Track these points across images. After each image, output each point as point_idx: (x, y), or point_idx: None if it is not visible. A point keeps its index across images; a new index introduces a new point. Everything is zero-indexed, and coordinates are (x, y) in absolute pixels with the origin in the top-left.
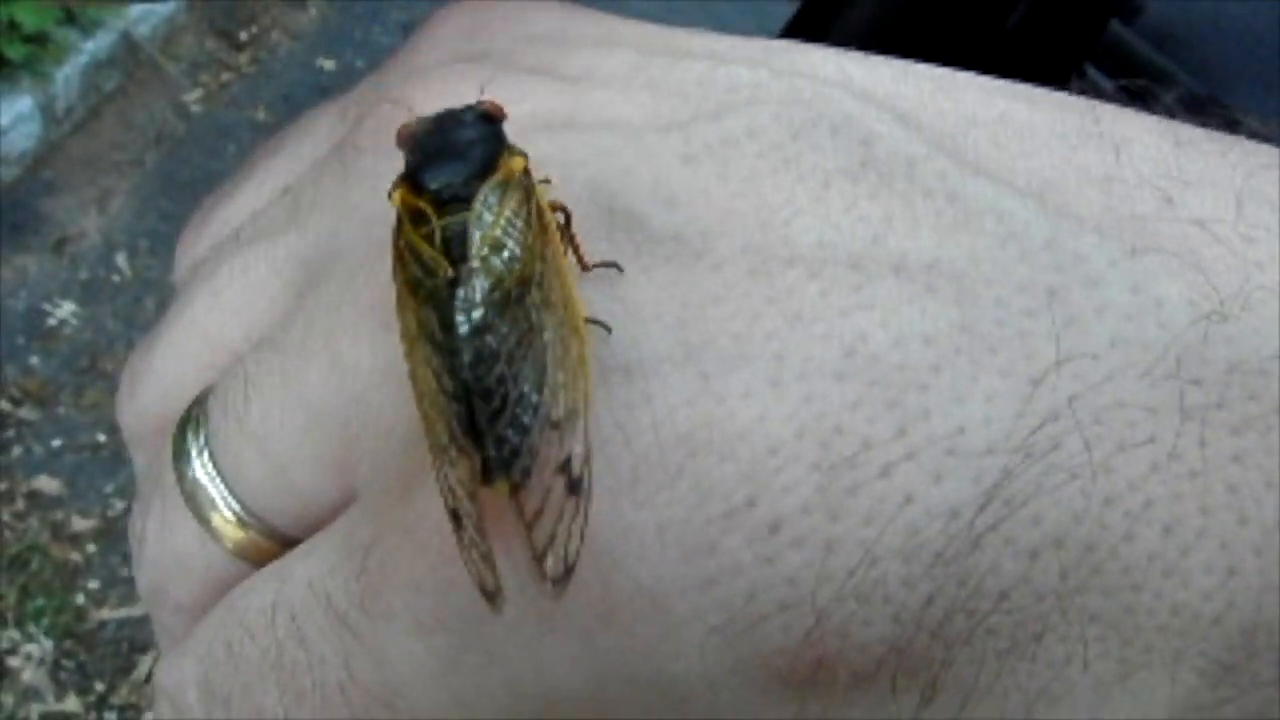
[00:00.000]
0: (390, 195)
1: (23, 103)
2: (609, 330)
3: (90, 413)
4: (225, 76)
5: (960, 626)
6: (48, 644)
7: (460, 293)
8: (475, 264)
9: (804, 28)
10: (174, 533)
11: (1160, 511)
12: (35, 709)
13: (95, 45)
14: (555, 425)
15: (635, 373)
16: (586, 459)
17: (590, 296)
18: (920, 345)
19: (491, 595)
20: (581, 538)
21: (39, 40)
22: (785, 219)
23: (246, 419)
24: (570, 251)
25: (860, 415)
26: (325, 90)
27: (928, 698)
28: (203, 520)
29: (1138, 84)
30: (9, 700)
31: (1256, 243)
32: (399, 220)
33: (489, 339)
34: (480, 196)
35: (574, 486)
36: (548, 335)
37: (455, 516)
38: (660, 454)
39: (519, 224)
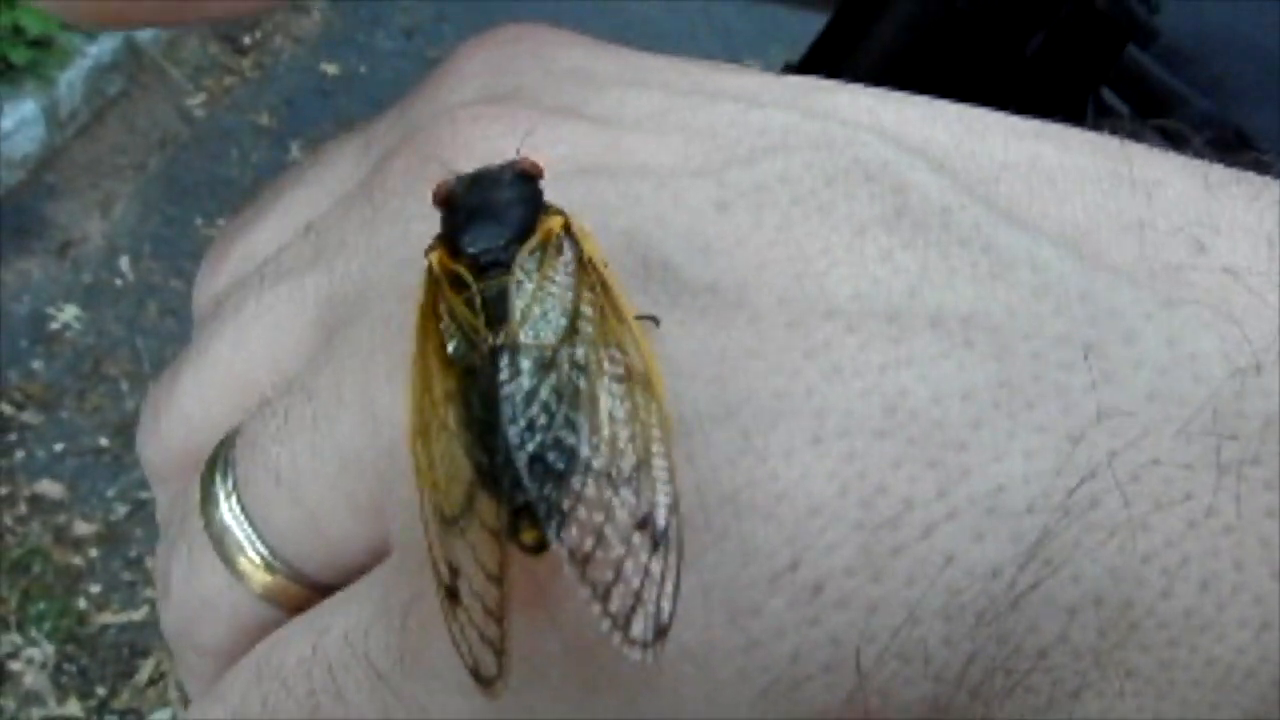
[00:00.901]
0: (427, 255)
1: (26, 106)
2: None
3: (93, 417)
4: (228, 81)
5: (1000, 685)
6: (49, 648)
7: (504, 360)
8: (517, 331)
9: (825, 54)
10: (200, 575)
11: (1197, 568)
12: (36, 713)
13: (99, 49)
14: (624, 480)
15: (677, 432)
16: (673, 508)
17: None
18: (959, 401)
19: (488, 681)
20: (676, 593)
21: (43, 44)
22: (821, 269)
23: (277, 464)
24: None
25: (902, 474)
26: (328, 94)
27: None
28: (230, 563)
29: (1171, 124)
30: (10, 704)
31: None
32: (434, 282)
33: (534, 410)
34: (520, 261)
35: (659, 540)
36: (603, 392)
37: (452, 595)
38: (705, 516)
39: (559, 286)
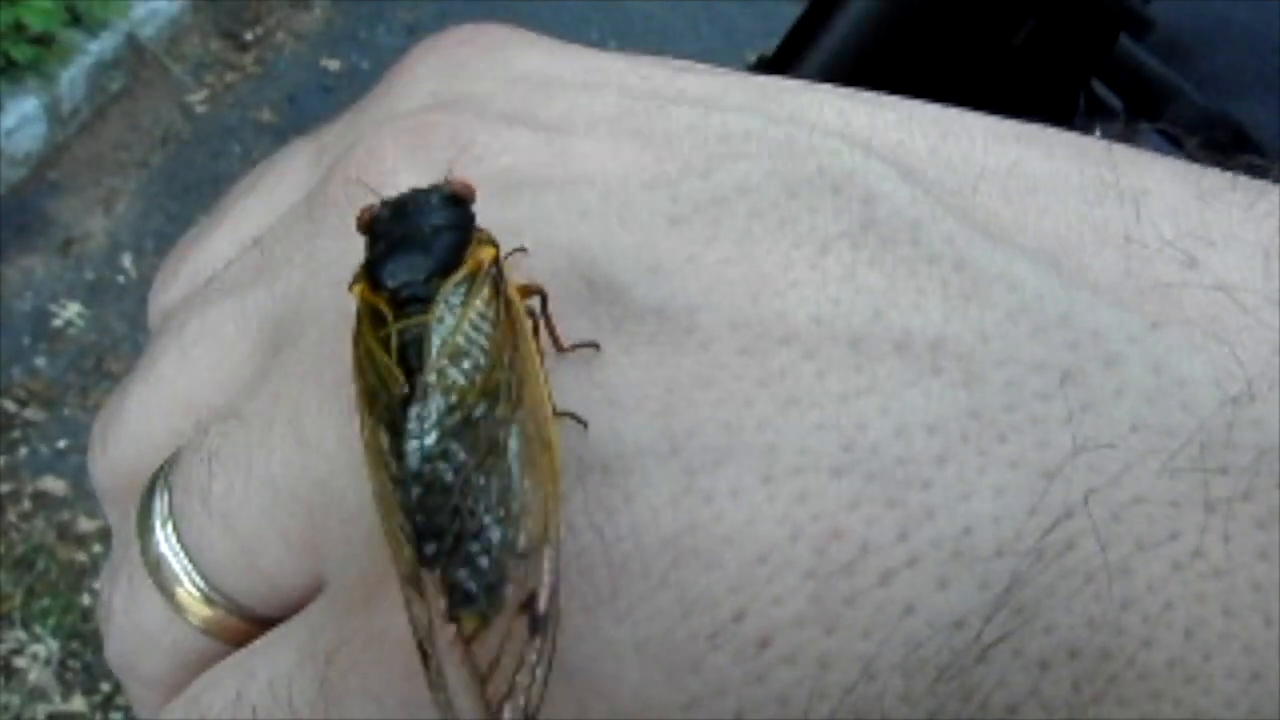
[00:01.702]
0: (350, 288)
1: (28, 104)
2: (584, 424)
3: (95, 413)
4: (230, 77)
5: None
6: (54, 644)
7: (412, 413)
8: (431, 379)
9: (800, 46)
10: (140, 606)
11: (1181, 614)
12: (41, 709)
13: (100, 46)
14: (518, 557)
15: (615, 469)
16: (553, 595)
17: (567, 382)
18: (924, 434)
19: None
20: (545, 685)
21: (44, 41)
22: (780, 290)
23: (209, 495)
24: (548, 333)
25: (859, 516)
26: (329, 90)
27: None
28: (168, 595)
29: (1165, 126)
30: (15, 700)
31: None
32: (358, 317)
33: (441, 467)
34: (442, 296)
35: (537, 626)
36: (513, 453)
37: (423, 651)
38: (641, 562)
39: (485, 326)
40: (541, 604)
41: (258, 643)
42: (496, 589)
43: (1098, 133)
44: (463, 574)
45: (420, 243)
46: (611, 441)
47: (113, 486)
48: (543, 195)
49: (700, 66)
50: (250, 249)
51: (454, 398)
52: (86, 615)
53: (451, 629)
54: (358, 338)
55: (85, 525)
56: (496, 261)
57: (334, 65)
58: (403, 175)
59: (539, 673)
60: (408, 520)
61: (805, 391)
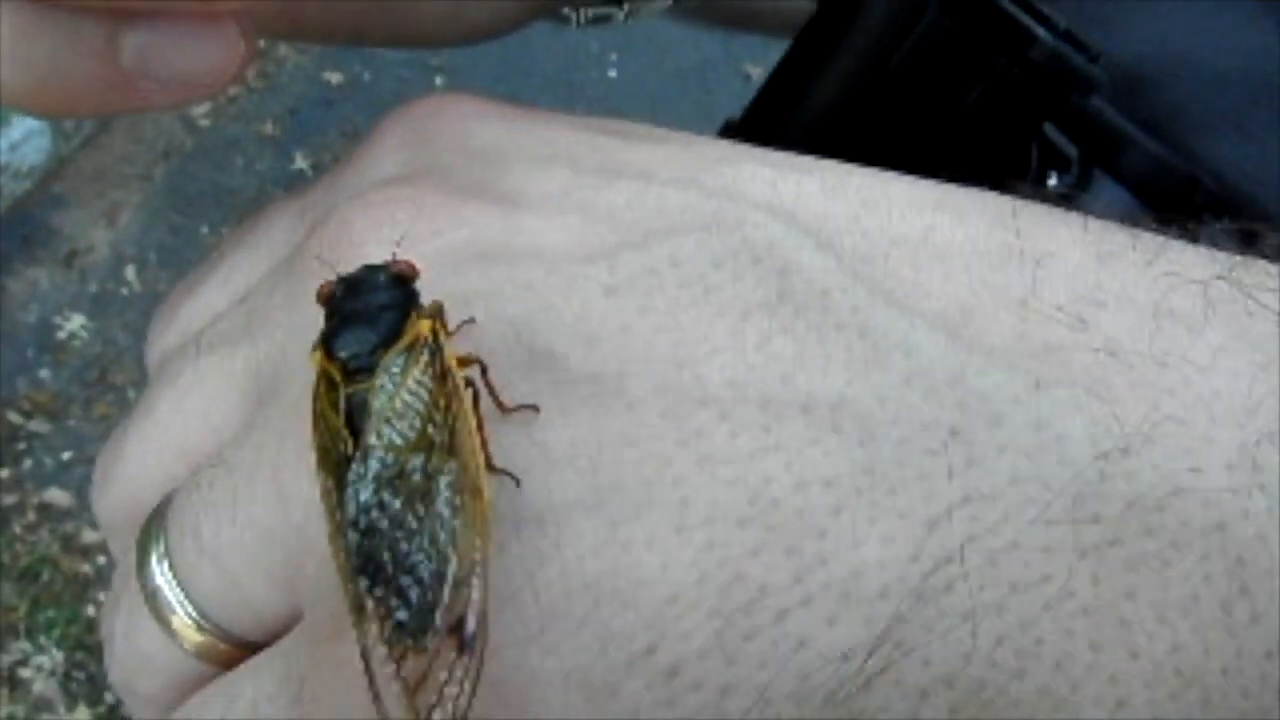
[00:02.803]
0: (310, 355)
1: (32, 118)
2: (517, 482)
3: (100, 425)
4: (233, 90)
5: None
6: (58, 655)
7: (353, 468)
8: (371, 439)
9: (765, 112)
10: (137, 631)
11: (1051, 649)
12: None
13: None
14: (454, 586)
15: (548, 520)
16: (480, 620)
17: (509, 441)
18: (821, 488)
19: None
20: (473, 695)
21: None
22: (701, 356)
23: (200, 534)
24: (491, 397)
25: (759, 562)
26: (331, 103)
27: None
28: (162, 623)
29: (1178, 217)
30: (20, 711)
31: (1168, 368)
32: (317, 381)
33: (375, 515)
34: (384, 366)
35: (465, 646)
36: (444, 500)
37: (367, 670)
38: (567, 603)
39: (421, 391)
40: (469, 627)
41: (241, 668)
42: (426, 615)
43: (1051, 180)
44: (395, 603)
45: (367, 318)
46: (544, 495)
47: (113, 522)
48: (493, 269)
49: (653, 133)
50: (239, 304)
51: (390, 455)
52: (91, 627)
53: (384, 650)
54: (315, 399)
55: (90, 537)
56: (435, 333)
57: (336, 78)
58: (368, 248)
59: (466, 685)
60: (350, 559)
61: (719, 450)
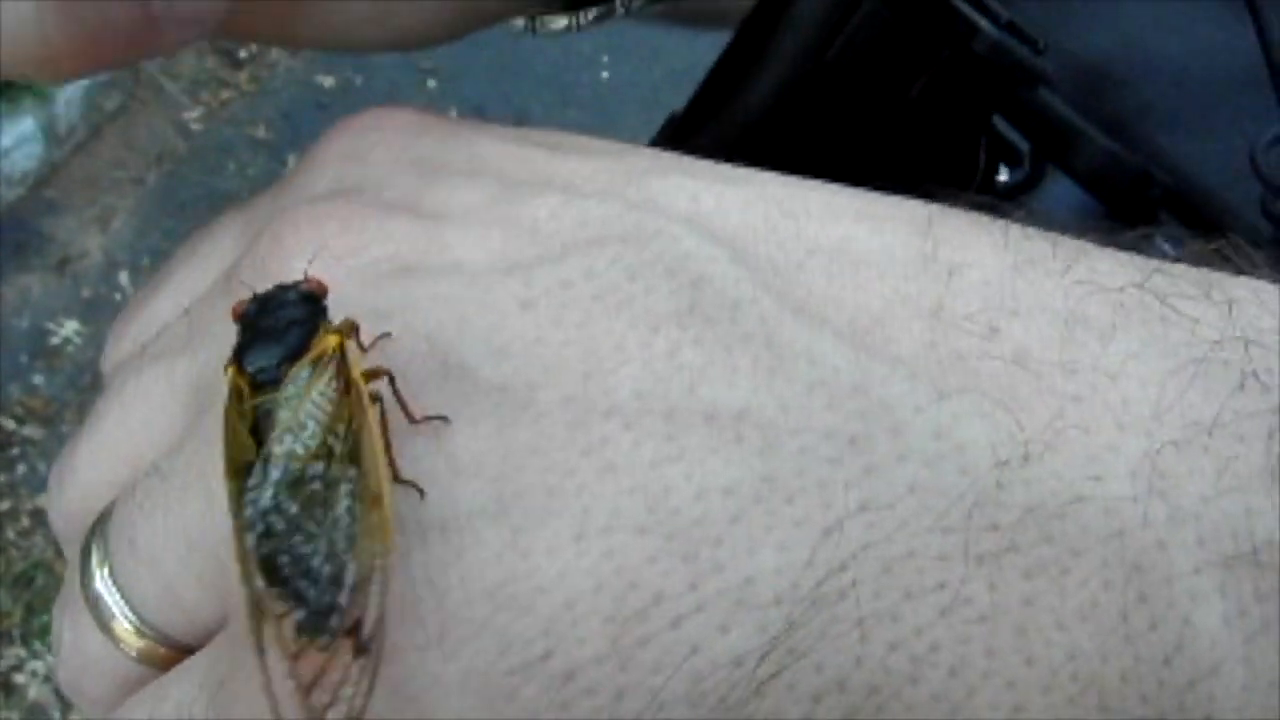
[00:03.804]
0: (225, 369)
1: (25, 123)
2: (421, 492)
3: None
4: (225, 95)
5: None
6: (52, 661)
7: (255, 473)
8: (273, 448)
9: (710, 99)
10: (83, 637)
11: (947, 655)
12: None
13: None
14: (352, 589)
15: (451, 528)
16: (378, 623)
17: (419, 451)
18: (720, 496)
19: None
20: (368, 695)
21: None
22: (610, 368)
23: (136, 541)
24: (400, 408)
25: (656, 569)
26: (324, 107)
27: None
28: (105, 628)
29: (1163, 231)
30: (15, 717)
31: (1076, 375)
32: (229, 394)
33: (273, 519)
34: (289, 379)
35: (362, 649)
36: (344, 507)
37: (263, 665)
38: (468, 609)
39: (324, 403)
40: (366, 630)
41: (171, 672)
42: (322, 617)
43: (1003, 175)
44: (292, 604)
45: (276, 334)
46: (449, 504)
47: (65, 529)
48: (413, 283)
49: (588, 145)
50: (183, 316)
51: (291, 463)
52: None
53: (278, 650)
54: (227, 412)
55: None
56: (341, 347)
57: (329, 82)
58: (297, 260)
59: (363, 685)
60: (248, 559)
61: (621, 459)
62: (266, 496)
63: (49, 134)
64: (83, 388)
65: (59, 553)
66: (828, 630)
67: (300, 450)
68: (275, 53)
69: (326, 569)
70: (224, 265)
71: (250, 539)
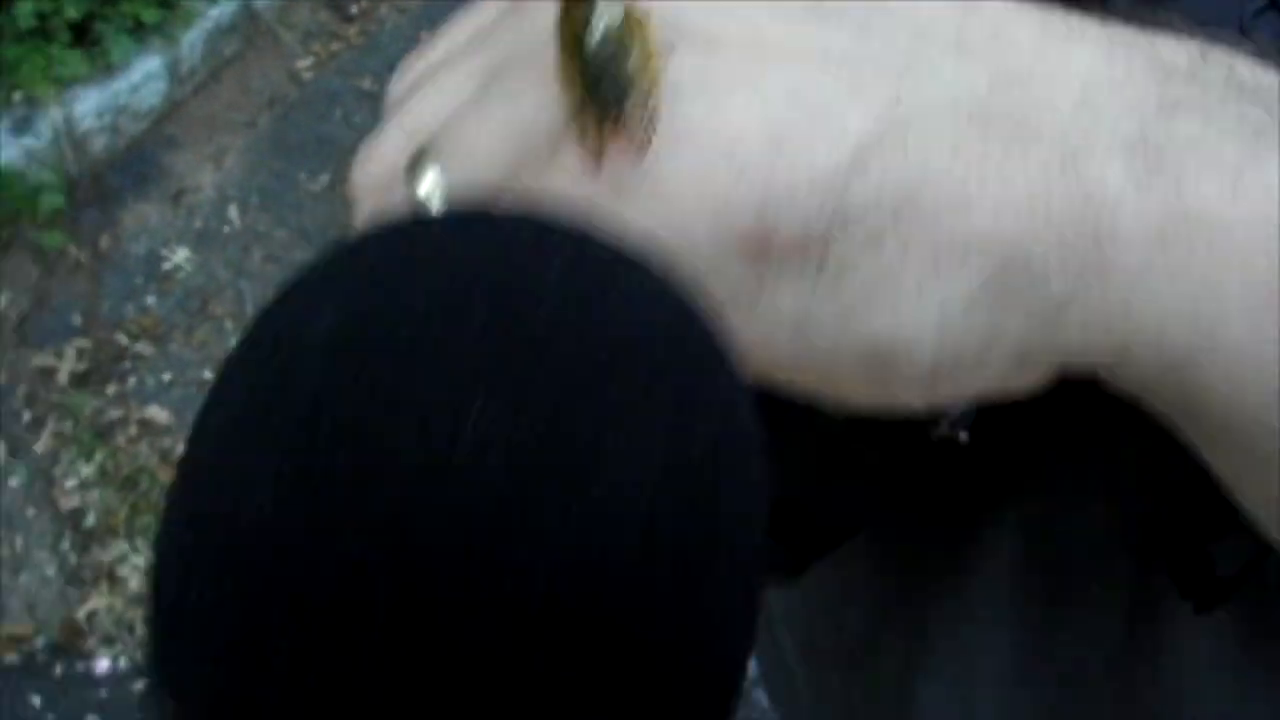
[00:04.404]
0: None
1: (152, 62)
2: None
3: (199, 351)
4: (335, 46)
5: (849, 228)
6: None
7: (587, 29)
8: (594, 19)
9: None
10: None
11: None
12: (140, 613)
13: (219, 12)
14: (639, 100)
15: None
16: (654, 113)
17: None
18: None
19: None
20: (650, 134)
21: (169, 5)
22: None
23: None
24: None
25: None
26: None
27: (820, 268)
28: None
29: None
30: (119, 604)
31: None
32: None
33: (603, 59)
34: None
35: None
36: (637, 51)
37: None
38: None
39: None
40: (645, 120)
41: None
42: (619, 102)
43: None
44: (599, 110)
45: None
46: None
47: (364, 192)
48: None
49: None
50: (470, 39)
51: (610, 28)
52: None
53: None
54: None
55: None
56: None
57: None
58: None
59: (647, 136)
60: (585, 68)
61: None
62: (595, 42)
63: (173, 74)
64: (191, 311)
65: (163, 460)
66: (897, 150)
67: (616, 24)
68: (385, 9)
69: (634, 88)
70: (500, 6)
71: (592, 70)
